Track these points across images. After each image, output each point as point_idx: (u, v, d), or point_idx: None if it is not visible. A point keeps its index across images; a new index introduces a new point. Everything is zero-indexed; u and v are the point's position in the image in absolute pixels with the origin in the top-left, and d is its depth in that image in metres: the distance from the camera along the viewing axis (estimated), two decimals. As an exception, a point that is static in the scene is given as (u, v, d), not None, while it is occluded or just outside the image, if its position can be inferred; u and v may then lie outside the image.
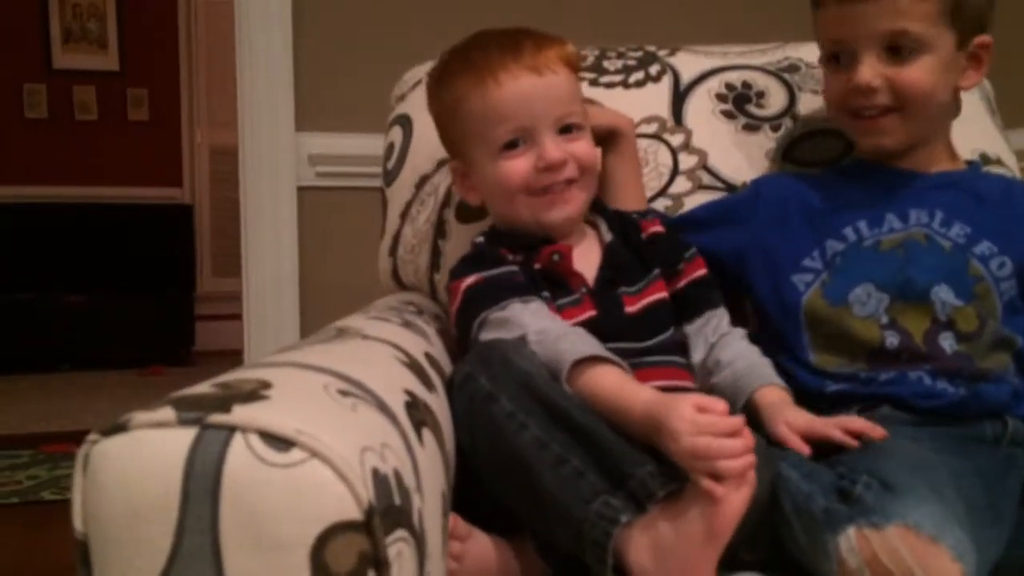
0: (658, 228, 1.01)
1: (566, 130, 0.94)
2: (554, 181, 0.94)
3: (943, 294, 0.90)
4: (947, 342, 0.89)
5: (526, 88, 0.91)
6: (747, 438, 0.67)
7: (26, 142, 4.65)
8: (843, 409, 0.88)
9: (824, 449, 0.78)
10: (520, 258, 0.95)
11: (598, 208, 1.02)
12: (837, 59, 0.96)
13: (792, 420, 0.82)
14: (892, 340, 0.89)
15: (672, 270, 0.98)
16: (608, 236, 1.00)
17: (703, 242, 1.02)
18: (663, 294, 0.96)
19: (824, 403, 0.89)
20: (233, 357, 2.06)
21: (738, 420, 0.68)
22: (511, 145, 0.94)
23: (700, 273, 1.00)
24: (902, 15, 0.90)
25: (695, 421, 0.68)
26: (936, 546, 0.62)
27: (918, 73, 0.92)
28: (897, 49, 0.92)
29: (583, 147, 0.95)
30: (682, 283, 0.99)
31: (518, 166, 0.94)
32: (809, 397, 0.89)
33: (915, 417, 0.85)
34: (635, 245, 0.99)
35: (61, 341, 4.31)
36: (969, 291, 0.91)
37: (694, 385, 0.93)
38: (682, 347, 0.95)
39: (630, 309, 0.94)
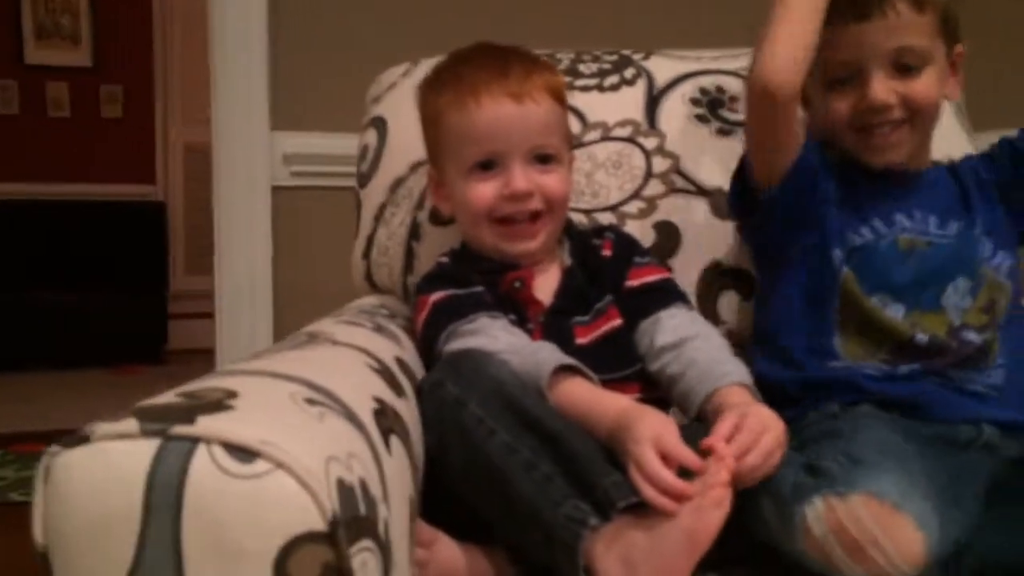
0: (608, 253, 1.00)
1: (543, 160, 0.94)
2: (518, 211, 0.94)
3: (954, 298, 0.93)
4: (971, 335, 0.92)
5: (504, 114, 0.92)
6: (690, 487, 0.66)
7: (-3, 138, 4.58)
8: (825, 400, 0.89)
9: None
10: (485, 280, 0.95)
11: (564, 227, 1.02)
12: (841, 81, 0.97)
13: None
14: (921, 337, 0.91)
15: (620, 283, 0.97)
16: (568, 260, 0.99)
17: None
18: (616, 322, 0.95)
19: (813, 391, 0.91)
20: (207, 355, 2.04)
21: (698, 463, 0.68)
22: (482, 167, 0.94)
23: (651, 278, 0.98)
24: (906, 31, 0.93)
25: (665, 437, 0.69)
26: (899, 514, 0.64)
27: (925, 85, 0.95)
28: (904, 65, 0.94)
29: (554, 180, 0.95)
30: (629, 286, 0.97)
31: (484, 191, 0.94)
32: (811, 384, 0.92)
33: (894, 411, 0.87)
34: (592, 268, 0.98)
35: (32, 339, 4.22)
36: (977, 282, 0.94)
37: None
38: (648, 383, 0.92)
39: (581, 340, 0.93)
